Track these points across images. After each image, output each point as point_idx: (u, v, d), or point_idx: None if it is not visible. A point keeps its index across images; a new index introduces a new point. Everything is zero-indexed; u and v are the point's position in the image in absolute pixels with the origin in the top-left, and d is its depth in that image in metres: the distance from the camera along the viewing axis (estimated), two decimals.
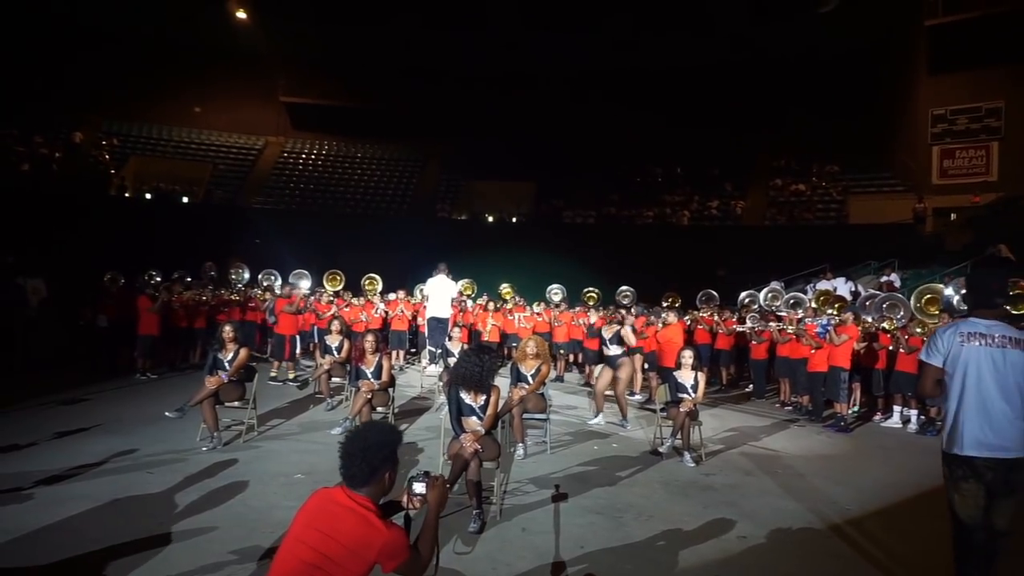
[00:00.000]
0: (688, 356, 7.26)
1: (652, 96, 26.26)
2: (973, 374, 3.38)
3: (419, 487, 2.72)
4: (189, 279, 12.54)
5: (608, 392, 8.79)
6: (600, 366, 9.23)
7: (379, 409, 7.15)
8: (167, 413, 6.76)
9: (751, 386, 11.68)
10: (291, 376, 10.78)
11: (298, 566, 2.31)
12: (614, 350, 8.76)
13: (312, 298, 12.69)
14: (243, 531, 4.51)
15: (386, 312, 13.35)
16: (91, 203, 19.00)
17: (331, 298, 12.90)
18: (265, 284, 13.84)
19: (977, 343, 3.41)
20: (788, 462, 7.05)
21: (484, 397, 5.12)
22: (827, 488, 6.10)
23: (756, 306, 12.56)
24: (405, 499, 2.75)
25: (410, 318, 13.43)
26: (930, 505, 5.85)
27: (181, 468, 5.81)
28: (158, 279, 12.20)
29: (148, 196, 22.66)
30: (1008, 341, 3.40)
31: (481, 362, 5.06)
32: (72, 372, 10.43)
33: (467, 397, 5.12)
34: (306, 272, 13.90)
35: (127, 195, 22.34)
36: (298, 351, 11.53)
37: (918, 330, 9.21)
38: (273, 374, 10.67)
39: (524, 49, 25.90)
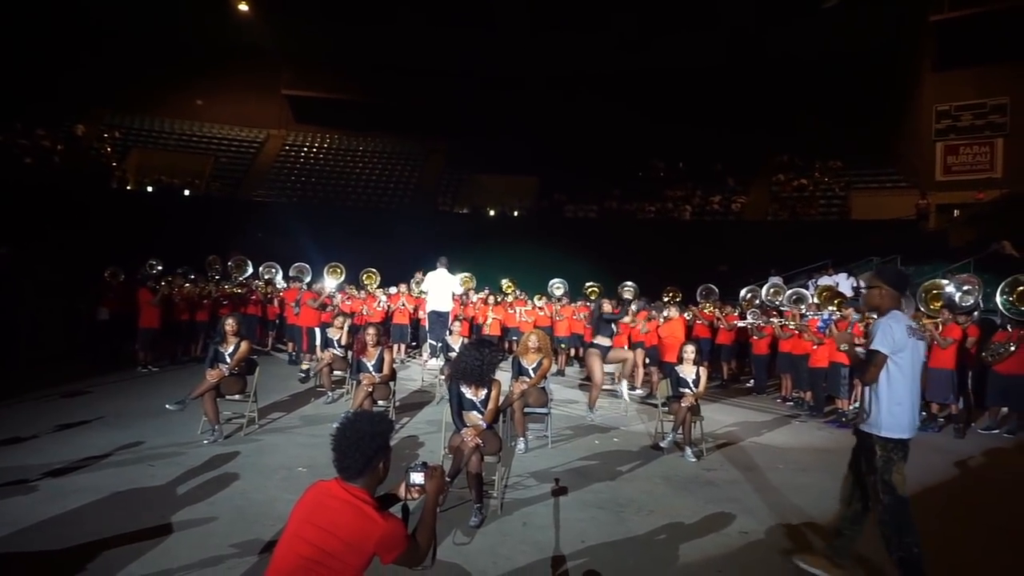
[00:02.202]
0: (690, 351, 7.25)
1: (655, 92, 26.19)
2: (911, 365, 3.80)
3: (417, 477, 2.70)
4: (193, 276, 12.51)
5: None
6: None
7: (380, 403, 7.15)
8: (168, 406, 6.76)
9: (752, 381, 11.68)
10: (303, 367, 10.80)
11: (297, 561, 2.30)
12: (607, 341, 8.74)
13: (339, 296, 12.82)
14: (244, 524, 4.51)
15: (388, 305, 13.36)
16: (93, 196, 18.99)
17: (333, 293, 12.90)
18: (266, 277, 13.85)
19: (914, 337, 3.85)
20: (789, 457, 7.04)
21: (485, 391, 5.11)
22: (828, 483, 6.06)
23: (757, 301, 12.55)
24: (403, 489, 2.74)
25: (411, 311, 13.43)
26: (930, 499, 5.86)
27: (182, 461, 5.81)
28: (159, 268, 12.21)
29: (150, 189, 22.66)
30: (916, 334, 3.89)
31: (481, 356, 5.04)
32: (73, 365, 10.44)
33: (468, 391, 5.11)
34: (307, 266, 13.91)
35: (129, 188, 22.35)
36: (317, 343, 11.56)
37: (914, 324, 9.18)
38: (305, 366, 10.69)
39: (528, 46, 25.84)
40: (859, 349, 4.05)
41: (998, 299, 9.29)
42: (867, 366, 3.82)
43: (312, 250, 15.02)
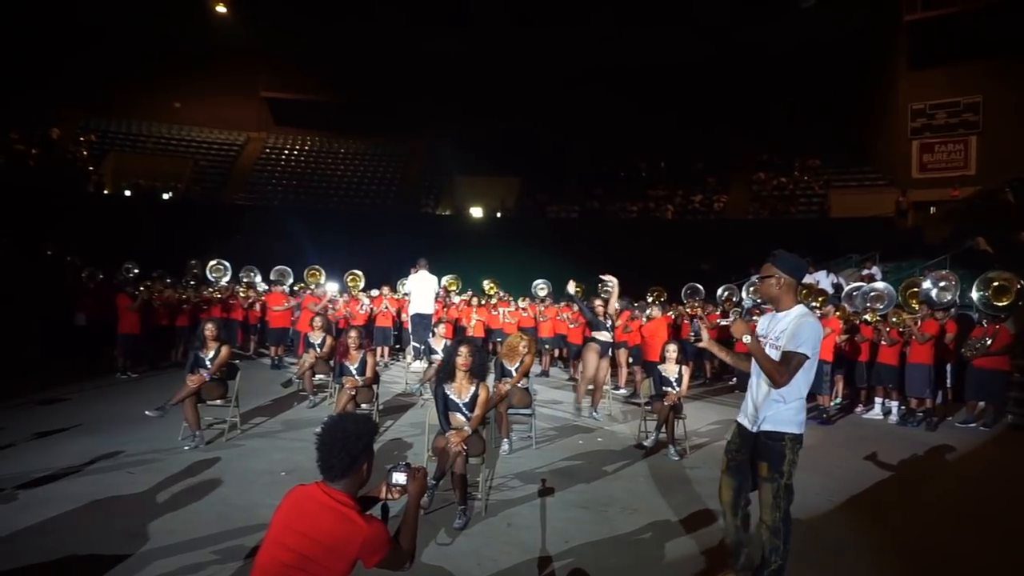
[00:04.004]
0: (672, 350, 7.29)
1: (636, 91, 26.35)
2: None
3: (399, 477, 2.68)
4: (169, 280, 12.37)
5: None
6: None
7: (363, 406, 7.10)
8: (147, 412, 6.68)
9: (735, 379, 11.75)
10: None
11: (279, 569, 2.27)
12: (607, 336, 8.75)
13: (341, 300, 12.82)
14: (227, 530, 4.46)
15: (371, 308, 13.30)
16: (69, 201, 18.72)
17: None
18: (246, 281, 13.75)
19: None
20: None
21: (471, 391, 5.11)
22: (810, 479, 6.13)
23: (736, 299, 12.65)
24: (384, 490, 2.72)
25: (394, 314, 13.39)
26: (911, 494, 5.94)
27: (163, 468, 5.74)
28: (136, 271, 12.06)
29: (127, 193, 22.39)
30: None
31: (456, 351, 5.12)
32: (51, 372, 10.27)
33: (452, 393, 5.10)
34: (288, 269, 13.81)
35: (105, 192, 22.06)
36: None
37: (894, 319, 9.34)
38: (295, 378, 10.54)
39: (508, 44, 25.87)
40: (771, 349, 3.57)
41: (974, 295, 9.45)
42: (786, 368, 3.42)
43: (294, 253, 14.93)
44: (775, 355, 3.51)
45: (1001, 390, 8.81)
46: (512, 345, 7.33)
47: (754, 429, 3.57)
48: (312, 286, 13.19)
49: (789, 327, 3.49)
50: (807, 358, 3.41)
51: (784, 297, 3.60)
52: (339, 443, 2.44)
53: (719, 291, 13.73)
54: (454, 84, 27.16)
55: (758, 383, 3.63)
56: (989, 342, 8.65)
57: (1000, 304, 9.16)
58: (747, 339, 3.56)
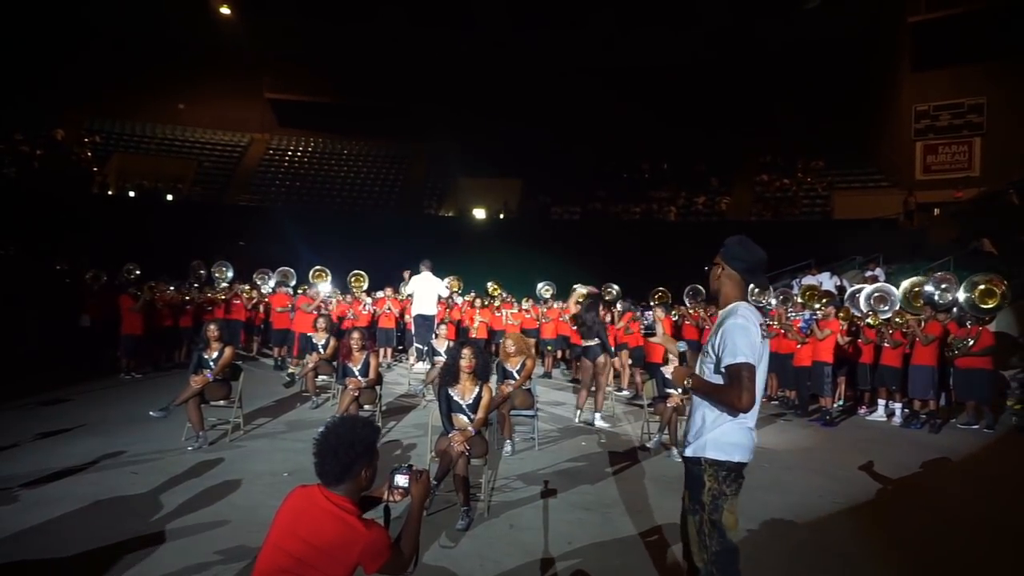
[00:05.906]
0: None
1: (639, 93, 26.36)
2: (763, 371, 2.92)
3: (401, 480, 2.64)
4: (172, 287, 12.37)
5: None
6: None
7: (366, 407, 7.11)
8: (151, 413, 6.69)
9: None
10: (289, 371, 10.72)
11: (278, 574, 2.27)
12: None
13: (334, 301, 12.85)
14: (229, 531, 4.47)
15: (374, 309, 13.31)
16: (73, 201, 18.77)
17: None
18: (258, 281, 13.79)
19: (764, 335, 2.95)
20: (775, 456, 7.09)
21: (474, 393, 5.11)
22: (813, 481, 6.14)
23: None
24: (386, 491, 2.70)
25: (397, 315, 13.39)
26: (914, 497, 5.93)
27: (166, 468, 5.75)
28: (137, 272, 12.08)
29: (131, 194, 22.45)
30: (765, 332, 3.03)
31: (459, 354, 5.12)
32: (55, 372, 10.29)
33: (456, 395, 5.11)
34: (291, 270, 13.83)
35: (110, 192, 22.13)
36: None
37: (897, 320, 9.33)
38: (291, 370, 10.52)
39: (511, 46, 25.91)
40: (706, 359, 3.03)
41: (960, 295, 9.48)
42: (739, 385, 2.77)
43: (297, 254, 14.95)
44: (709, 366, 2.97)
45: (988, 390, 8.81)
46: (504, 347, 7.30)
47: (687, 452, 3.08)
48: (307, 286, 13.20)
49: (722, 332, 2.91)
50: (753, 365, 2.81)
51: (724, 291, 3.08)
52: (331, 450, 2.41)
53: None
54: (457, 86, 27.18)
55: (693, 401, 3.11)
56: (971, 343, 8.67)
57: (985, 306, 9.19)
58: (689, 383, 3.02)
